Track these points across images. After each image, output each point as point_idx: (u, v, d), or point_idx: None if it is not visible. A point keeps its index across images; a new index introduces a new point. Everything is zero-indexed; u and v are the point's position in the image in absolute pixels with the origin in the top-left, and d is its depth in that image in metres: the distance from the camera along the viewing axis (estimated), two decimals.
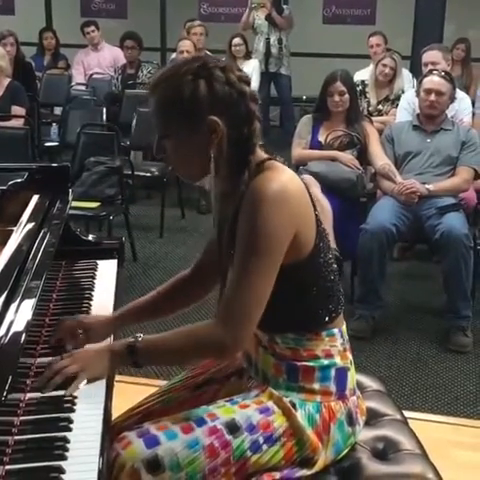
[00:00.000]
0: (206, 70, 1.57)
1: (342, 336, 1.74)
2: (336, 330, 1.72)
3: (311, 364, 1.68)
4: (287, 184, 1.57)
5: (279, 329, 1.68)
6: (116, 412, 1.74)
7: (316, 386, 1.68)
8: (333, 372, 1.70)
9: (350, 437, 1.73)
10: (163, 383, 1.97)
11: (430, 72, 4.24)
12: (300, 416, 1.66)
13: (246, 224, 1.55)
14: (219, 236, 1.74)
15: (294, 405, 1.67)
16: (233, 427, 1.61)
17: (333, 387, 1.70)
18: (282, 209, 1.54)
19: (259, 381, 1.74)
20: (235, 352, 1.66)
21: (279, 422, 1.65)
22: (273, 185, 1.54)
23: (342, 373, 1.72)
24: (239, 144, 1.59)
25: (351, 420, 1.73)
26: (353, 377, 1.77)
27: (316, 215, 1.65)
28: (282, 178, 1.57)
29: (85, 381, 1.59)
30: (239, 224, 1.58)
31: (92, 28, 7.95)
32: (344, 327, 1.76)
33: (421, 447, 1.81)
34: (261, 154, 1.64)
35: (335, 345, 1.71)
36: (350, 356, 1.76)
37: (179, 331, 1.65)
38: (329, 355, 1.70)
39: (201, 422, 1.62)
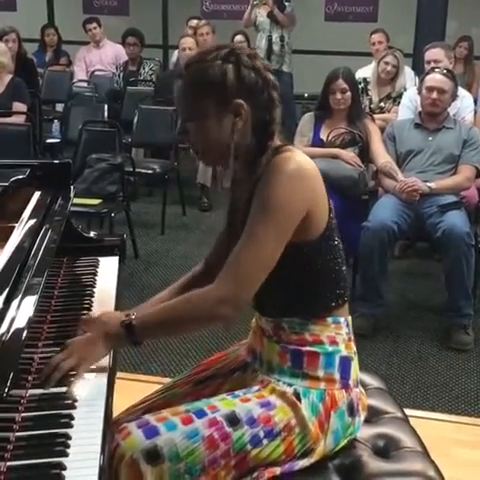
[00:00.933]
0: (234, 55, 1.63)
1: (347, 326, 1.76)
2: (342, 319, 1.74)
3: (316, 349, 1.70)
4: (304, 164, 1.63)
5: (286, 312, 1.69)
6: (117, 409, 1.74)
7: (320, 373, 1.70)
8: (337, 359, 1.71)
9: (349, 427, 1.74)
10: (166, 380, 1.98)
11: (432, 70, 4.23)
12: (304, 406, 1.66)
13: (261, 194, 1.60)
14: (230, 219, 1.79)
15: (298, 395, 1.67)
16: (233, 419, 1.62)
17: (337, 375, 1.71)
18: (296, 184, 1.60)
19: (264, 372, 1.75)
20: (231, 310, 1.60)
21: (280, 416, 1.65)
22: (290, 163, 1.60)
23: (346, 362, 1.73)
24: (260, 129, 1.65)
25: (352, 411, 1.73)
26: (356, 368, 1.78)
27: (329, 201, 1.70)
28: (299, 158, 1.63)
29: (84, 374, 1.59)
30: (255, 196, 1.62)
31: (94, 25, 7.95)
32: (350, 318, 1.77)
33: (422, 445, 1.82)
34: (277, 141, 1.69)
35: (340, 333, 1.73)
36: (354, 347, 1.78)
37: (174, 300, 1.66)
38: (334, 342, 1.71)
39: (201, 414, 1.62)
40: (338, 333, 1.73)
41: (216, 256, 1.89)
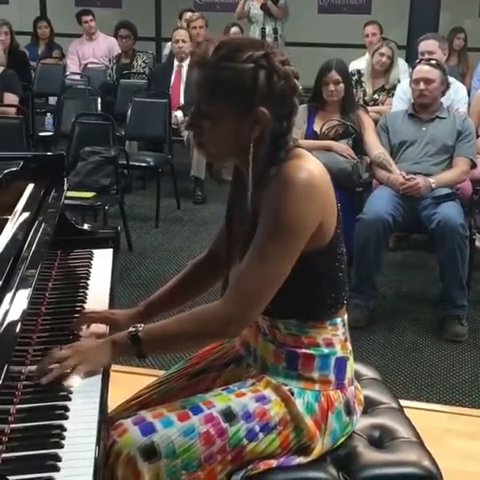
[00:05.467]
0: (268, 61, 1.55)
1: (344, 326, 1.74)
2: (339, 320, 1.72)
3: (311, 352, 1.68)
4: (316, 173, 1.57)
5: (283, 315, 1.67)
6: (112, 402, 1.73)
7: (315, 375, 1.68)
8: (333, 361, 1.70)
9: (347, 426, 1.74)
10: (160, 373, 1.97)
11: (419, 62, 4.25)
12: (299, 404, 1.66)
13: (272, 209, 1.55)
14: (229, 220, 1.76)
15: (293, 394, 1.67)
16: (229, 415, 1.62)
17: (332, 376, 1.70)
18: (310, 198, 1.55)
19: (258, 369, 1.74)
20: (240, 329, 1.63)
21: (275, 410, 1.65)
22: (302, 174, 1.55)
23: (342, 363, 1.72)
24: (277, 137, 1.59)
25: (349, 410, 1.73)
26: (352, 367, 1.77)
27: (337, 206, 1.65)
28: (310, 167, 1.58)
29: (82, 375, 1.56)
30: (264, 208, 1.57)
31: (90, 17, 7.93)
32: (346, 317, 1.76)
33: (417, 435, 1.82)
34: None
35: (337, 334, 1.71)
36: (350, 346, 1.76)
37: (182, 315, 1.64)
38: (330, 344, 1.70)
39: (197, 410, 1.62)
40: (334, 334, 1.71)
41: (217, 250, 1.88)
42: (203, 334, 1.64)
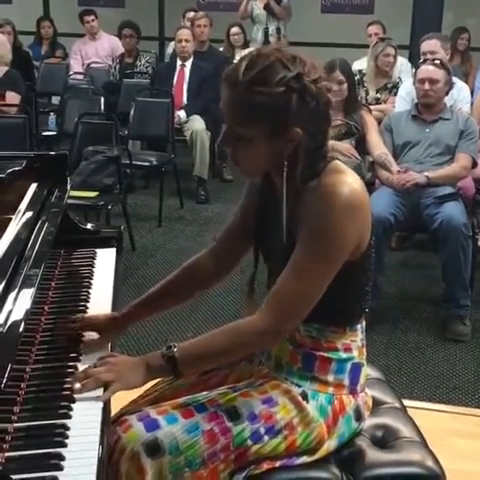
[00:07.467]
0: (300, 83, 1.52)
1: (362, 332, 1.75)
2: (359, 326, 1.74)
3: (329, 355, 1.69)
4: (357, 188, 1.57)
5: (307, 318, 1.64)
6: (116, 401, 1.73)
7: (330, 378, 1.69)
8: (349, 366, 1.71)
9: (355, 431, 1.75)
10: None
11: (424, 62, 4.24)
12: (311, 407, 1.66)
13: (315, 226, 1.55)
14: (258, 231, 1.75)
15: (306, 396, 1.67)
16: (234, 414, 1.62)
17: (346, 381, 1.70)
18: (353, 216, 1.55)
19: (271, 367, 1.74)
20: (276, 341, 1.64)
21: (282, 414, 1.65)
22: (345, 190, 1.54)
23: (357, 368, 1.73)
24: (311, 152, 1.58)
25: (359, 416, 1.74)
26: (365, 374, 1.77)
27: (372, 219, 1.65)
28: (350, 181, 1.57)
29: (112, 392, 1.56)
30: (305, 224, 1.56)
31: (92, 17, 7.94)
32: (364, 323, 1.77)
33: (420, 435, 1.82)
34: None
35: (355, 340, 1.72)
36: (365, 353, 1.77)
37: (215, 331, 1.63)
38: (348, 349, 1.71)
39: (201, 408, 1.62)
40: (353, 340, 1.72)
41: (222, 251, 1.86)
42: (239, 346, 1.63)
